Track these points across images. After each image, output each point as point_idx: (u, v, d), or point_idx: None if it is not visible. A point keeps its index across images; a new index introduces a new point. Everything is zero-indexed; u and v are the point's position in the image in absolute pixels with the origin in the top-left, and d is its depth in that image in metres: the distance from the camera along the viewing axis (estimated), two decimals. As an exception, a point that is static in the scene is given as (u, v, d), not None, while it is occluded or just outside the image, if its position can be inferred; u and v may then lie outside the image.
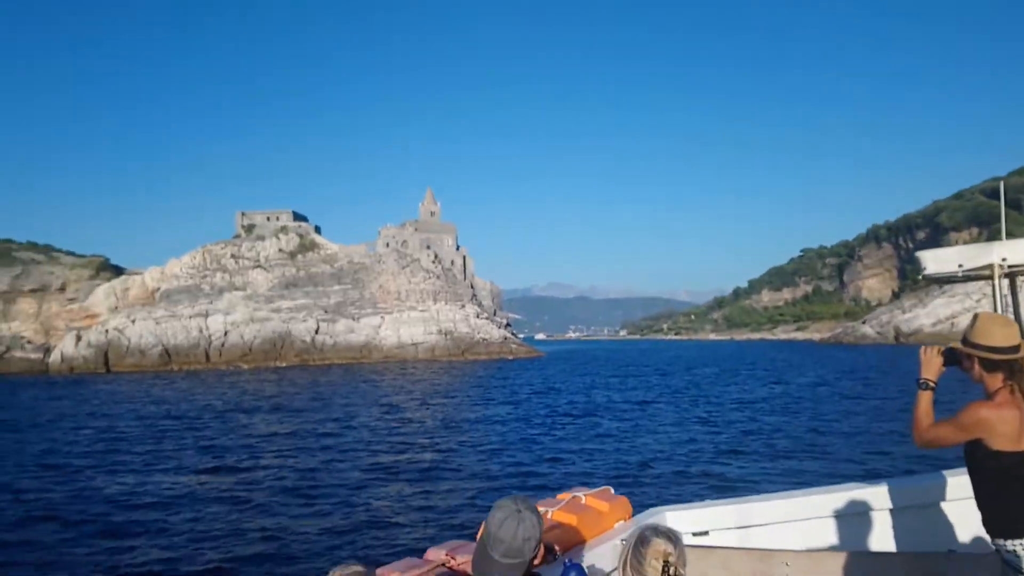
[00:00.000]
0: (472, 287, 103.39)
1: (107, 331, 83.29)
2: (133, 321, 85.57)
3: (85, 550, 11.26)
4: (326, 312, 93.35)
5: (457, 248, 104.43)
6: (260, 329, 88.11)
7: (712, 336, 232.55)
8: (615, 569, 3.13)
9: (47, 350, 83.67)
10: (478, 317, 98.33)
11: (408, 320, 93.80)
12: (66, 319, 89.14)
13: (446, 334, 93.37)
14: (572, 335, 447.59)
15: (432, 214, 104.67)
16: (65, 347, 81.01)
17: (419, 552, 3.21)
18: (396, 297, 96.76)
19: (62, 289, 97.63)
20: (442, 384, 50.25)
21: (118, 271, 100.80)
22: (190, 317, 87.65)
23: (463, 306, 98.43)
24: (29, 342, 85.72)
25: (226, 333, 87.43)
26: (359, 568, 1.86)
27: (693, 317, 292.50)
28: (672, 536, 2.18)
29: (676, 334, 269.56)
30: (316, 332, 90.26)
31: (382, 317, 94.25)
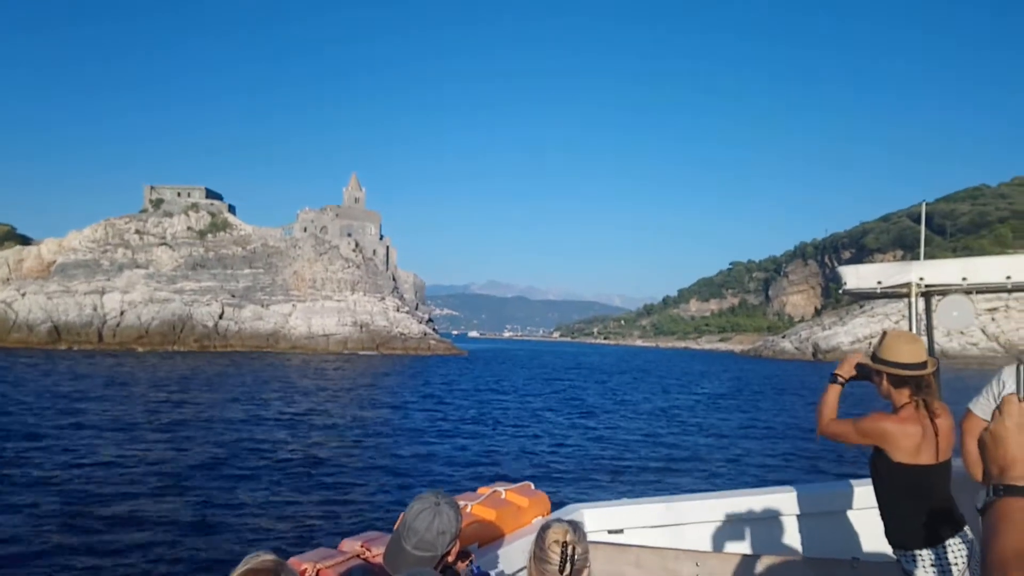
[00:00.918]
0: (394, 279, 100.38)
1: (-11, 304, 77.45)
2: (23, 294, 79.85)
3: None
4: (233, 296, 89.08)
5: (381, 238, 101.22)
6: (159, 311, 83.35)
7: (639, 342, 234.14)
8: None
9: (-79, 320, 77.28)
10: (398, 311, 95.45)
11: (321, 310, 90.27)
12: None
13: (362, 326, 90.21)
14: (508, 334, 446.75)
15: (356, 200, 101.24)
16: (-61, 318, 74.97)
17: (333, 545, 3.10)
18: (311, 285, 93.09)
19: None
20: (353, 377, 48.58)
21: (26, 242, 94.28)
22: (85, 294, 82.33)
23: (383, 298, 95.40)
24: (-99, 311, 79.06)
25: (122, 313, 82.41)
26: (270, 557, 1.81)
27: (623, 323, 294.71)
28: (573, 524, 2.23)
29: (605, 338, 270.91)
30: (220, 317, 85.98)
31: (293, 305, 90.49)
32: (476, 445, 20.81)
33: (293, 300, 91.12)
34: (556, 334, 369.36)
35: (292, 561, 2.73)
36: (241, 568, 1.81)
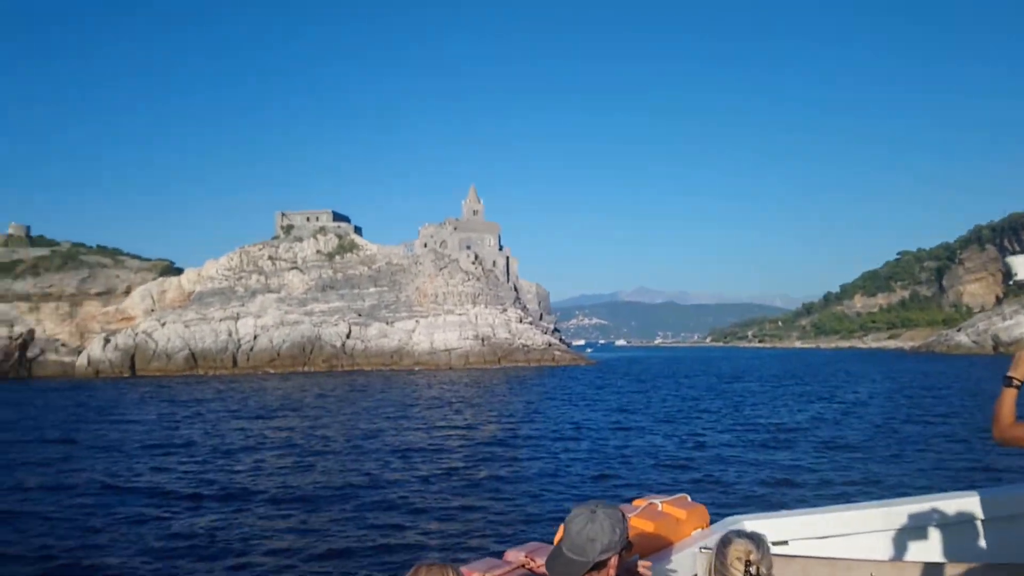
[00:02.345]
0: (516, 290, 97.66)
1: (136, 334, 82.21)
2: (162, 324, 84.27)
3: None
4: (359, 315, 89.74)
5: (500, 248, 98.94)
6: (289, 333, 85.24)
7: (798, 344, 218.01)
8: None
9: (80, 353, 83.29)
10: (520, 322, 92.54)
11: (443, 324, 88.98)
12: (102, 321, 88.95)
13: (483, 339, 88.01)
14: (658, 341, 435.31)
15: (475, 212, 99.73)
16: (92, 350, 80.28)
17: (498, 554, 3.24)
18: (433, 300, 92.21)
19: (127, 292, 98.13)
20: (480, 390, 48.45)
21: (179, 272, 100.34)
22: (220, 320, 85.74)
23: (504, 310, 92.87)
24: (63, 344, 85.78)
25: (255, 337, 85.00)
26: (439, 565, 1.87)
27: (780, 324, 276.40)
28: (755, 538, 2.16)
29: (760, 341, 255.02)
30: (347, 336, 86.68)
31: (417, 321, 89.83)
32: (616, 456, 20.51)
33: (416, 316, 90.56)
34: (708, 339, 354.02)
35: (462, 570, 2.75)
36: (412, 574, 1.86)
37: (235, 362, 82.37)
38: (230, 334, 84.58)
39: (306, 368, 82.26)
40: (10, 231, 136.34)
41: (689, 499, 3.87)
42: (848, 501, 4.63)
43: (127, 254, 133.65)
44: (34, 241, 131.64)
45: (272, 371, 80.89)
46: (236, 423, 30.18)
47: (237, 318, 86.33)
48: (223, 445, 23.56)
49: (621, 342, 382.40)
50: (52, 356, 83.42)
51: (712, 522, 3.86)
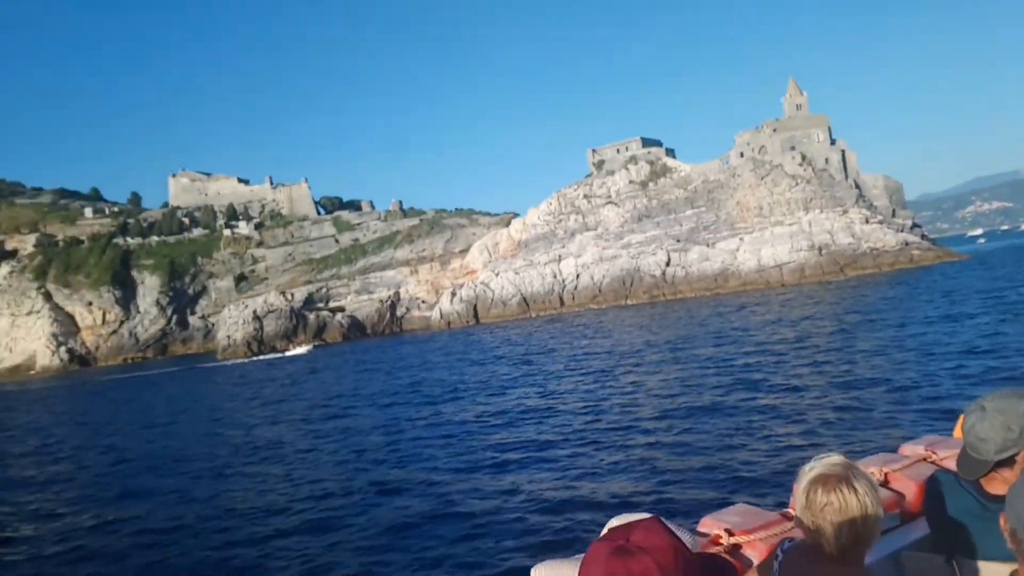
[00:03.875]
0: (857, 186, 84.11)
1: (475, 286, 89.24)
2: (496, 274, 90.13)
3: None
4: (677, 241, 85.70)
5: (832, 142, 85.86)
6: (608, 268, 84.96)
7: None
8: None
9: (434, 307, 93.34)
10: (867, 223, 79.67)
11: (771, 238, 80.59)
12: (451, 277, 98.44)
13: (820, 249, 77.75)
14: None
15: (798, 107, 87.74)
16: (442, 304, 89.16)
17: (892, 449, 3.27)
18: (757, 213, 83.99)
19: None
20: (831, 303, 44.77)
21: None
22: (545, 264, 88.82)
23: (844, 211, 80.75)
24: (423, 302, 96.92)
25: (577, 276, 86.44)
26: (839, 459, 1.97)
27: None
28: None
29: None
30: (667, 264, 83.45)
31: (740, 239, 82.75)
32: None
33: (739, 233, 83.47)
34: None
35: (862, 463, 2.80)
36: (811, 471, 1.97)
37: (561, 302, 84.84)
38: (554, 276, 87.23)
39: (628, 301, 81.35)
40: (390, 207, 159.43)
41: None
42: None
43: (480, 212, 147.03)
44: (407, 213, 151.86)
45: (595, 307, 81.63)
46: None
47: (559, 260, 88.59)
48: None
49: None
50: (416, 312, 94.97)
51: None
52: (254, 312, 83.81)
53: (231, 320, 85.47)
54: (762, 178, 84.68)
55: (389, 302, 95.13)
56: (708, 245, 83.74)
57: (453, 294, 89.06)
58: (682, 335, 35.67)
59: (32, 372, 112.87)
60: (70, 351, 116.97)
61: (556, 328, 56.29)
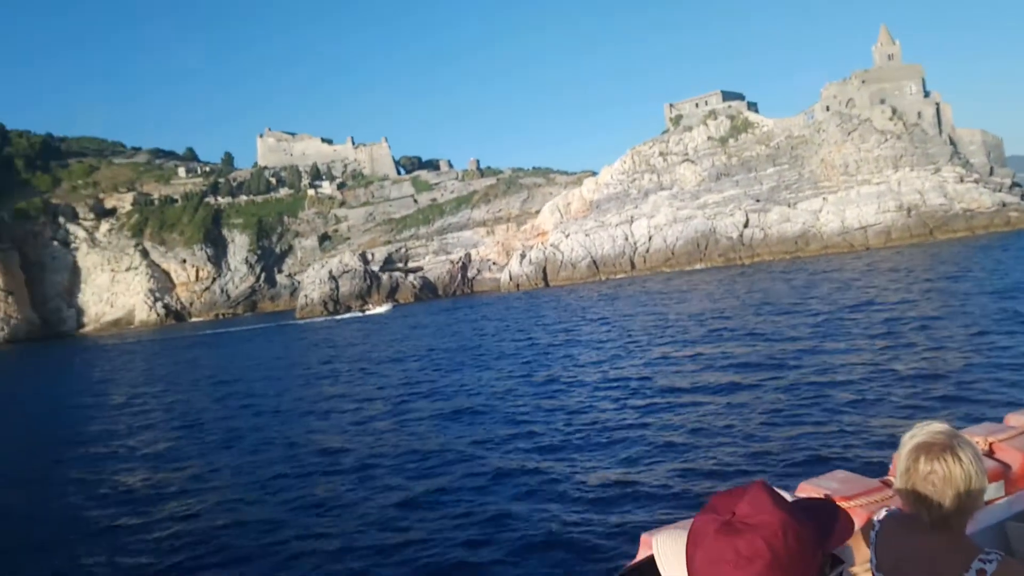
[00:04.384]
0: (952, 143, 78.47)
1: (544, 248, 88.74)
2: (567, 235, 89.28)
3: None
4: (757, 201, 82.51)
5: (926, 95, 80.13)
6: (683, 230, 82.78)
7: None
8: None
9: (503, 269, 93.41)
10: (961, 182, 74.51)
11: (857, 198, 76.56)
12: (522, 239, 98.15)
13: (909, 210, 73.39)
14: None
15: (890, 57, 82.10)
16: (512, 266, 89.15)
17: (998, 419, 3.28)
18: (843, 171, 79.75)
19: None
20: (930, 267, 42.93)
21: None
22: (616, 225, 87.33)
23: (937, 170, 75.70)
24: (494, 263, 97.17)
25: (650, 238, 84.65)
26: (942, 427, 1.95)
27: None
28: None
29: None
30: (744, 226, 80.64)
31: (823, 198, 78.97)
32: None
33: (823, 192, 79.63)
34: None
35: (966, 431, 2.76)
36: (913, 439, 1.95)
37: (632, 265, 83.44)
38: (626, 238, 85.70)
39: (702, 264, 79.24)
40: (467, 166, 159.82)
41: None
42: None
43: (557, 171, 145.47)
44: (483, 172, 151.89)
45: (667, 270, 79.96)
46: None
47: (631, 221, 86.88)
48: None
49: None
50: (487, 274, 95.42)
51: None
52: (330, 272, 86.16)
53: (308, 280, 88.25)
54: (849, 133, 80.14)
55: (460, 263, 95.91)
56: (789, 205, 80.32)
57: (523, 256, 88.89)
58: (772, 300, 35.15)
59: (131, 326, 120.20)
60: (166, 306, 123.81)
61: (632, 292, 55.98)
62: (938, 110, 78.95)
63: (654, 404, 15.71)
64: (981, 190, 73.49)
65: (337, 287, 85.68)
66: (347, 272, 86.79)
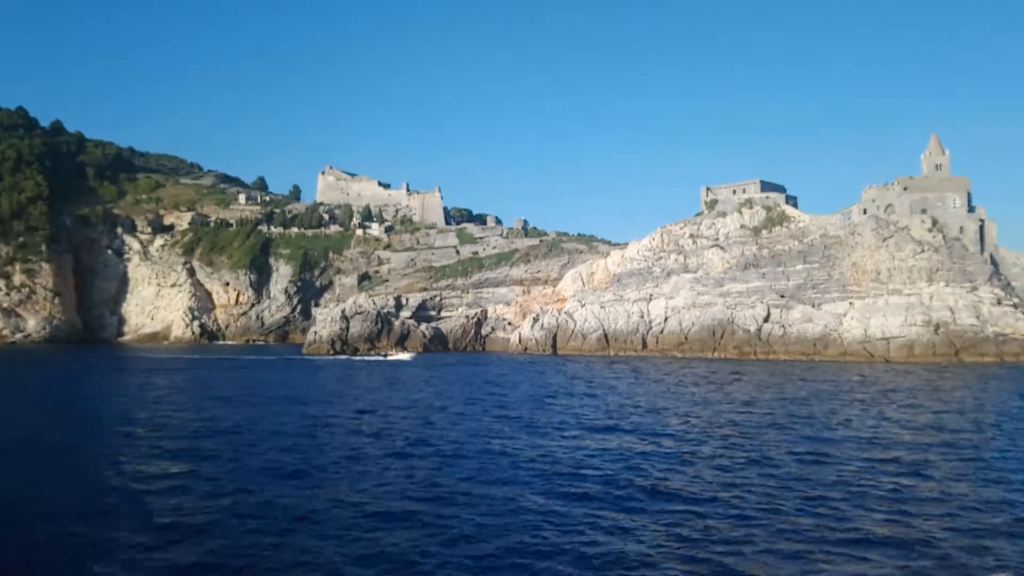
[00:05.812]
0: (993, 262, 74.43)
1: (558, 314, 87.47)
2: (583, 305, 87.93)
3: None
4: (781, 297, 79.69)
5: (970, 210, 76.56)
6: (700, 315, 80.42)
7: None
8: None
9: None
10: (998, 304, 70.34)
11: (884, 307, 73.07)
12: (541, 302, 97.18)
13: (937, 326, 69.52)
14: None
15: (938, 167, 79.04)
16: (523, 329, 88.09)
17: None
18: (874, 277, 76.40)
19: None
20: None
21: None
22: (634, 301, 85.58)
23: (974, 288, 71.74)
24: (509, 323, 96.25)
25: (666, 319, 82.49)
26: None
27: None
28: None
29: None
30: (765, 320, 77.79)
31: (850, 303, 75.65)
32: None
33: (850, 297, 76.30)
34: None
35: None
36: None
37: (644, 344, 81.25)
38: (642, 315, 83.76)
39: (715, 354, 76.51)
40: (514, 225, 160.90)
41: None
42: None
43: (600, 240, 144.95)
44: (528, 232, 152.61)
45: (678, 355, 77.50)
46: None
47: (650, 299, 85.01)
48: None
49: None
50: (499, 333, 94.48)
51: None
52: (342, 311, 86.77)
53: (321, 317, 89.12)
54: (884, 240, 77.01)
55: (475, 319, 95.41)
56: (814, 305, 77.22)
57: (535, 320, 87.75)
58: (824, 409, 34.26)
59: (166, 341, 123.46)
60: (202, 326, 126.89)
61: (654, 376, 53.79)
62: (982, 227, 75.24)
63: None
64: (1019, 315, 69.12)
65: (348, 327, 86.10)
66: (359, 313, 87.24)
